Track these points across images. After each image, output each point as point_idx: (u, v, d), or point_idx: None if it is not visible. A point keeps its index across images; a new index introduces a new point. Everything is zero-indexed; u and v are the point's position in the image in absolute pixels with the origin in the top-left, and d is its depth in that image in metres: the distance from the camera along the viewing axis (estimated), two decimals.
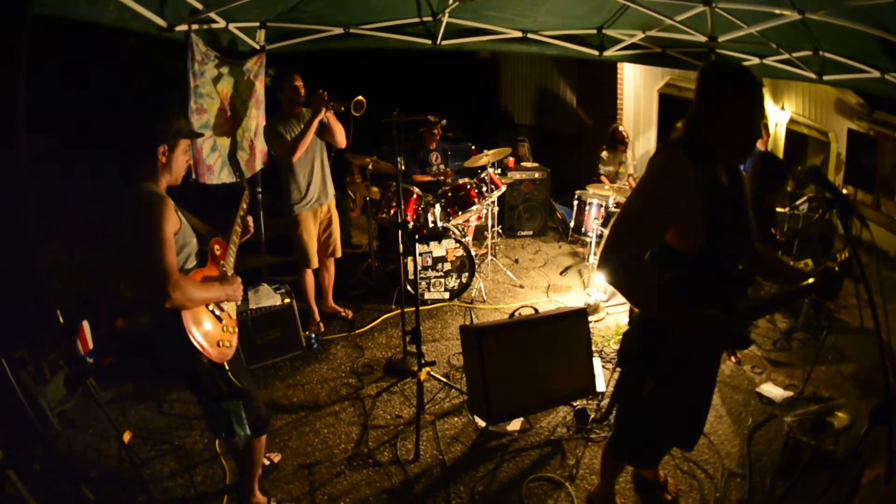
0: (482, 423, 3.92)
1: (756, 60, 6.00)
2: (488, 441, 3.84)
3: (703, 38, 5.22)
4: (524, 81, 12.82)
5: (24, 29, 2.24)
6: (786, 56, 5.56)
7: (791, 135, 9.47)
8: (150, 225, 2.45)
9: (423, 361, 3.99)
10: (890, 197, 7.98)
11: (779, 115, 9.24)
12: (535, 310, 4.44)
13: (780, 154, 9.30)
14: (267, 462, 3.54)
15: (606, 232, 2.29)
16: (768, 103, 9.34)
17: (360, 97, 4.70)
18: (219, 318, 2.72)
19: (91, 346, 3.60)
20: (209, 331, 2.63)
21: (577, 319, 4.04)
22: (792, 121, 9.27)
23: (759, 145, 6.49)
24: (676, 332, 2.27)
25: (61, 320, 2.38)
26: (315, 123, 4.62)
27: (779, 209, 6.13)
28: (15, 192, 2.38)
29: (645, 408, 2.63)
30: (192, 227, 2.78)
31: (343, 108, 4.73)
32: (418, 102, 10.72)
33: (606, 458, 3.09)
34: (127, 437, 3.33)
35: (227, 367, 2.71)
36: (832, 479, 2.68)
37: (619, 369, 2.76)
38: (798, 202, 6.61)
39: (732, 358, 4.88)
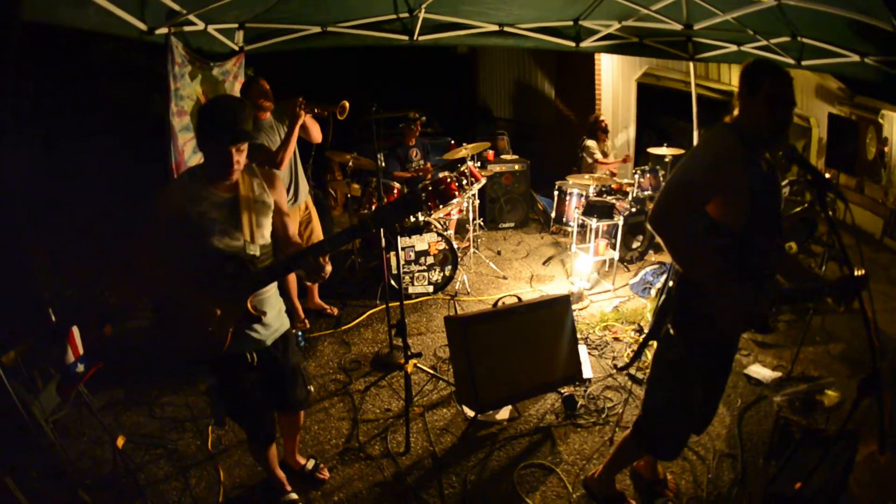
0: (471, 414, 3.97)
1: (734, 48, 6.09)
2: (478, 430, 3.90)
3: (678, 27, 5.30)
4: (502, 76, 12.92)
5: (13, 35, 2.26)
6: (763, 43, 5.63)
7: None
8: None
9: (409, 354, 4.01)
10: (873, 180, 8.13)
11: None
12: (519, 298, 4.49)
13: None
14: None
15: (659, 193, 2.43)
16: None
17: (345, 102, 4.70)
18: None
19: (81, 351, 3.60)
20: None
21: (560, 306, 4.11)
22: None
23: None
24: (710, 296, 2.42)
25: (53, 318, 2.40)
26: (296, 131, 4.52)
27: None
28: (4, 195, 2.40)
29: (672, 369, 2.72)
30: (235, 228, 2.63)
31: (327, 114, 4.70)
32: (398, 98, 10.84)
33: (625, 446, 3.10)
34: (120, 441, 3.34)
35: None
36: (823, 455, 2.73)
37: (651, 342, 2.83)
38: (828, 197, 6.74)
39: None
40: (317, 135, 4.91)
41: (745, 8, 4.74)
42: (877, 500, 3.07)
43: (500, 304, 4.36)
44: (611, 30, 6.09)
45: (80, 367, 3.45)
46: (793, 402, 3.85)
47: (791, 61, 5.83)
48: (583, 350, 4.60)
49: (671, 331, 2.65)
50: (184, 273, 2.55)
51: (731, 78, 9.71)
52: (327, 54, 6.63)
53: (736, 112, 2.53)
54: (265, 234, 2.68)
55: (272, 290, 2.81)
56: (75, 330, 3.50)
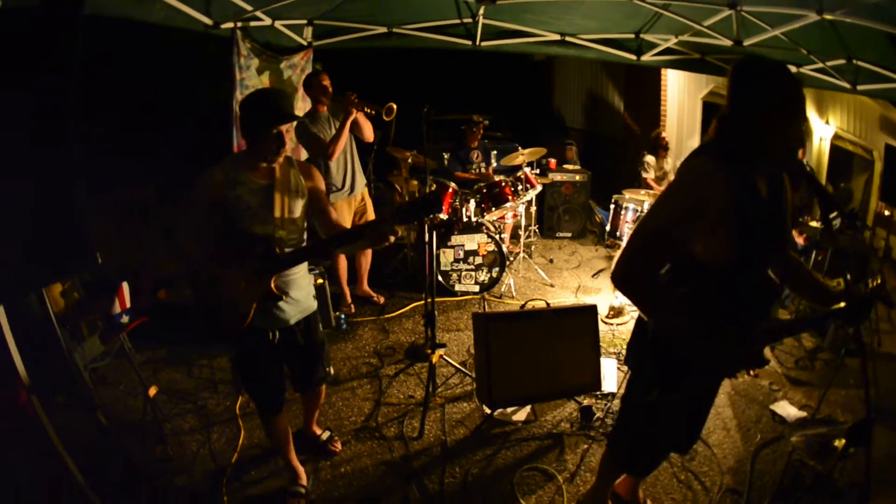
0: (489, 411, 4.09)
1: (793, 69, 5.94)
2: (492, 428, 4.01)
3: (728, 42, 5.24)
4: (576, 85, 12.91)
5: (77, 28, 2.52)
6: (820, 65, 5.53)
7: (835, 150, 9.28)
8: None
9: (434, 344, 4.20)
10: None
11: (823, 129, 8.99)
12: (548, 304, 4.59)
13: (824, 170, 9.11)
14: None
15: (624, 244, 2.24)
16: (812, 116, 9.17)
17: (392, 104, 4.91)
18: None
19: (128, 305, 3.95)
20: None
21: (585, 315, 4.16)
22: (836, 136, 9.06)
23: (799, 157, 6.47)
24: (686, 343, 2.21)
25: (100, 260, 2.65)
26: (348, 125, 4.76)
27: (811, 223, 6.06)
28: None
29: (649, 414, 2.61)
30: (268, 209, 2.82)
31: (374, 112, 4.91)
32: (470, 101, 11.00)
33: (605, 462, 3.10)
34: (153, 391, 3.65)
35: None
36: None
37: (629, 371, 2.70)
38: (831, 216, 6.53)
39: (751, 371, 4.83)
40: (368, 133, 5.12)
41: (792, 23, 4.62)
42: None
43: (528, 306, 4.46)
44: (669, 44, 6.09)
45: (125, 319, 3.78)
46: (810, 444, 3.76)
47: (846, 85, 5.71)
48: (611, 363, 4.61)
49: (643, 378, 2.56)
50: (217, 250, 2.77)
51: None
52: (402, 53, 6.88)
53: (724, 115, 2.19)
54: (297, 220, 2.87)
55: (300, 271, 3.00)
56: (125, 285, 3.84)
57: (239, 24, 4.65)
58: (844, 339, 5.26)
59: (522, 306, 4.59)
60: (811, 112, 9.18)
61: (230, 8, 4.51)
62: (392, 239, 2.67)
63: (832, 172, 9.31)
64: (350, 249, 2.83)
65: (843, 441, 2.37)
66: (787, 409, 4.35)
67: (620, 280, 2.14)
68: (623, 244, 2.24)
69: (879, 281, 2.26)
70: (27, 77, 2.46)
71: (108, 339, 3.92)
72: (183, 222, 2.79)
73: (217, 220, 2.74)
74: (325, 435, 3.71)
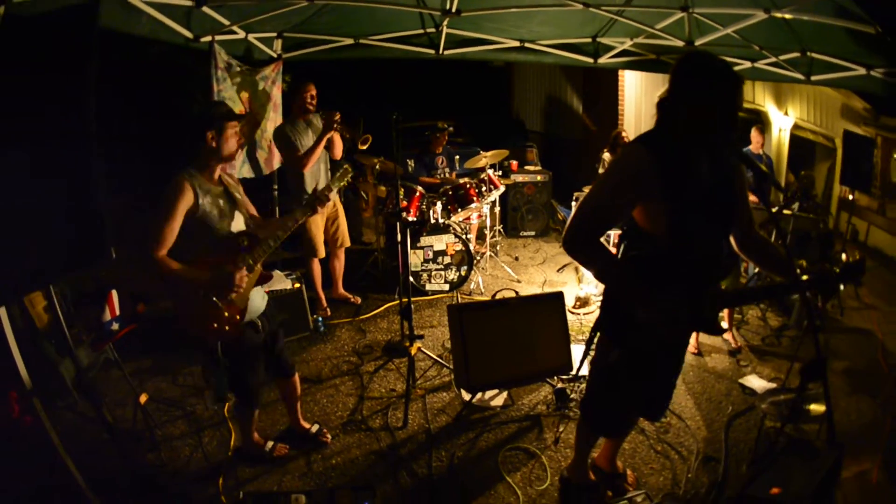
0: (468, 398, 4.30)
1: (748, 64, 6.27)
2: (472, 414, 4.22)
3: (681, 43, 5.47)
4: (535, 89, 13.23)
5: (93, 39, 2.68)
6: (773, 59, 5.79)
7: (796, 140, 9.58)
8: (162, 200, 2.84)
9: (412, 336, 4.41)
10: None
11: (783, 120, 9.38)
12: (516, 293, 4.84)
13: (784, 159, 9.43)
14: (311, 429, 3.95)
15: (570, 217, 2.47)
16: (771, 108, 9.53)
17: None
18: (215, 304, 2.97)
19: (118, 312, 4.06)
20: (197, 312, 2.97)
21: (553, 302, 4.45)
22: (796, 126, 9.40)
23: (755, 148, 6.74)
24: (636, 307, 2.46)
25: (114, 255, 2.76)
26: (324, 140, 5.05)
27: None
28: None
29: (610, 374, 2.83)
30: (234, 214, 3.09)
31: (349, 136, 5.20)
32: (433, 108, 11.22)
33: (579, 428, 3.28)
34: (143, 398, 3.75)
35: (217, 345, 3.09)
36: (803, 465, 2.63)
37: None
38: (787, 201, 6.85)
39: (692, 348, 5.12)
40: (338, 151, 5.43)
41: (742, 21, 4.86)
42: None
43: (498, 297, 4.69)
44: (625, 46, 6.31)
45: (115, 326, 3.91)
46: (779, 409, 3.87)
47: (800, 76, 5.98)
48: (579, 349, 4.87)
49: (605, 338, 2.82)
50: (202, 254, 2.98)
51: (755, 96, 9.79)
52: (365, 63, 7.05)
53: (664, 101, 2.43)
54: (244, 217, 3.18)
55: None
56: (114, 293, 3.96)
57: (217, 38, 4.80)
58: (810, 317, 5.59)
59: (493, 296, 4.83)
60: (770, 104, 9.55)
61: (208, 22, 4.65)
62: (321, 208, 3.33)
63: (794, 161, 9.69)
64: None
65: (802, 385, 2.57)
66: (756, 382, 4.62)
67: (569, 246, 2.42)
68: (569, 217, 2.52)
69: (854, 259, 2.48)
70: (49, 77, 2.61)
71: (99, 347, 4.04)
72: (167, 233, 2.85)
73: (196, 228, 2.94)
74: (315, 428, 3.89)
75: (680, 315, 2.39)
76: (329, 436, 3.90)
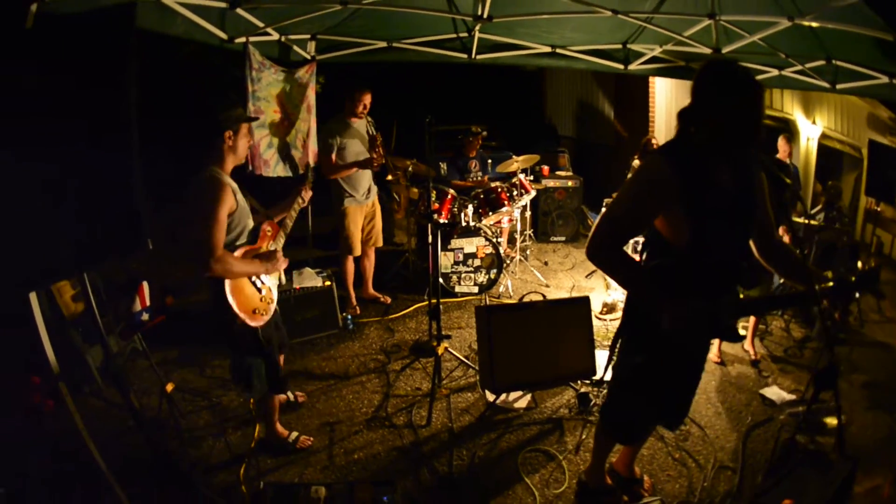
0: (491, 398, 4.33)
1: (775, 72, 6.19)
2: (495, 415, 4.25)
3: (708, 50, 5.45)
4: (567, 95, 13.20)
5: (131, 40, 2.79)
6: (799, 67, 5.71)
7: (823, 150, 9.37)
8: (207, 205, 2.90)
9: (439, 336, 4.48)
10: None
11: (811, 129, 9.19)
12: (544, 297, 4.84)
13: (812, 169, 9.24)
14: (291, 398, 4.11)
15: (593, 226, 2.51)
16: (799, 116, 9.37)
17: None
18: (258, 290, 3.25)
19: (148, 303, 4.18)
20: (247, 299, 3.15)
21: (579, 307, 4.47)
22: (824, 135, 9.21)
23: (782, 157, 6.64)
24: (658, 314, 2.41)
25: (150, 246, 2.88)
26: (356, 167, 5.35)
27: (795, 219, 6.28)
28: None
29: (631, 380, 2.86)
30: (251, 208, 3.27)
31: (380, 165, 5.45)
32: (466, 112, 11.26)
33: (597, 433, 3.33)
34: (169, 387, 3.81)
35: (259, 331, 3.23)
36: (817, 477, 2.67)
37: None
38: (814, 211, 6.75)
39: (715, 357, 5.10)
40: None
41: (768, 29, 4.81)
42: None
43: (525, 300, 4.72)
44: (654, 53, 6.29)
45: (145, 316, 4.02)
46: (797, 421, 3.92)
47: (826, 85, 5.89)
48: (604, 354, 4.86)
49: (627, 345, 2.84)
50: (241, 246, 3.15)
51: (784, 104, 9.61)
52: (399, 66, 7.11)
53: (686, 111, 2.42)
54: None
55: None
56: (145, 284, 4.07)
57: (251, 39, 4.90)
58: (834, 329, 5.51)
59: (520, 299, 4.84)
60: (798, 113, 9.38)
61: (242, 24, 4.76)
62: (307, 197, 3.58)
63: (822, 171, 9.48)
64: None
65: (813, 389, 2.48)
66: (776, 394, 4.57)
67: (592, 255, 2.47)
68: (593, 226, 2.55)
69: (869, 266, 2.52)
70: (88, 67, 2.72)
71: (128, 336, 4.15)
72: (221, 231, 2.96)
73: (233, 223, 3.09)
74: (293, 436, 3.86)
75: (700, 323, 2.40)
76: (310, 441, 3.89)
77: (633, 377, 2.85)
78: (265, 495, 3.18)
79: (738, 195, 2.43)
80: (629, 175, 7.93)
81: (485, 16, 4.96)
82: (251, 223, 3.23)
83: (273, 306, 3.39)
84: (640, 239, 4.48)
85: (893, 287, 7.29)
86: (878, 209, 7.71)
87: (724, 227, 2.43)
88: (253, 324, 3.18)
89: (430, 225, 4.65)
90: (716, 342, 5.18)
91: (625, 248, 2.53)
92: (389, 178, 5.52)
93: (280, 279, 5.13)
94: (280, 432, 3.80)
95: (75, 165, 2.69)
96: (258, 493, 3.25)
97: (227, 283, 3.04)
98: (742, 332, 5.20)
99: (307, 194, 3.63)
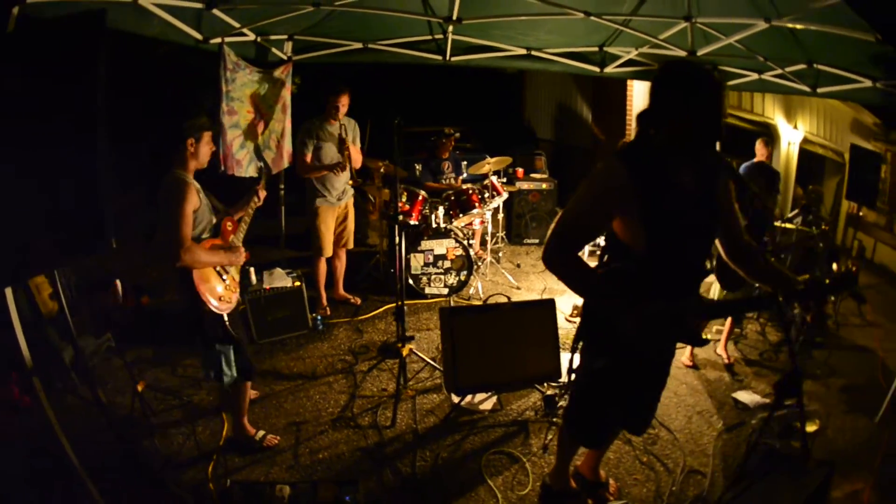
0: (457, 400, 4.38)
1: (755, 76, 6.23)
2: (460, 416, 4.30)
3: (683, 53, 5.46)
4: (546, 98, 13.24)
5: (101, 42, 2.83)
6: (779, 71, 5.72)
7: (805, 154, 9.46)
8: (175, 203, 3.17)
9: (404, 337, 4.53)
10: None
11: (792, 134, 9.28)
12: (508, 299, 4.90)
13: (793, 173, 9.34)
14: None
15: (549, 229, 2.47)
16: (780, 121, 9.46)
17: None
18: (223, 279, 3.47)
19: (121, 301, 4.21)
20: (213, 287, 3.38)
21: (544, 309, 4.51)
22: (806, 140, 9.30)
23: (761, 160, 6.60)
24: (617, 318, 2.40)
25: (114, 245, 2.94)
26: (325, 170, 5.42)
27: (776, 223, 6.30)
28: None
29: (593, 384, 2.85)
30: (213, 206, 3.49)
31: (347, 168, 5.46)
32: (445, 113, 11.31)
33: (560, 436, 3.34)
34: (141, 386, 3.91)
35: (225, 318, 3.45)
36: (790, 482, 2.65)
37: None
38: (791, 215, 6.81)
39: (687, 360, 5.15)
40: (357, 163, 5.68)
41: (745, 31, 4.83)
42: None
43: (490, 302, 4.76)
44: (631, 56, 6.32)
45: (117, 315, 4.06)
46: (770, 426, 3.82)
47: (806, 89, 5.89)
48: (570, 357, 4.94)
49: (587, 348, 2.81)
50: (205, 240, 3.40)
51: (765, 109, 9.72)
52: (378, 67, 7.13)
53: (645, 112, 2.40)
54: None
55: None
56: (118, 282, 4.10)
57: (227, 40, 4.92)
58: (810, 333, 5.56)
59: (485, 301, 4.90)
60: (779, 117, 9.47)
61: (219, 24, 4.76)
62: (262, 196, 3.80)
63: (804, 176, 9.59)
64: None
65: (775, 395, 2.44)
66: (749, 397, 4.60)
67: (547, 260, 2.41)
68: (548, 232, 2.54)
69: (845, 270, 2.46)
70: (61, 69, 2.76)
71: (101, 334, 4.18)
72: (188, 226, 3.24)
73: (197, 219, 3.34)
74: (260, 434, 3.93)
75: (660, 327, 2.39)
76: (276, 440, 3.96)
77: (594, 381, 2.84)
78: (232, 493, 3.27)
79: (700, 198, 2.40)
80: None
81: (454, 17, 5.01)
82: (213, 219, 3.46)
83: (236, 297, 3.60)
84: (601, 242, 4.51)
85: (875, 291, 7.45)
86: (860, 214, 7.80)
87: (684, 232, 2.40)
88: (219, 310, 3.40)
89: (395, 226, 4.70)
90: (687, 347, 5.24)
91: (581, 253, 2.50)
92: (350, 183, 5.52)
93: (251, 279, 5.18)
94: (248, 429, 3.87)
95: (42, 165, 2.73)
96: (225, 490, 3.33)
97: (195, 273, 3.29)
98: (716, 335, 5.26)
99: (262, 194, 3.83)
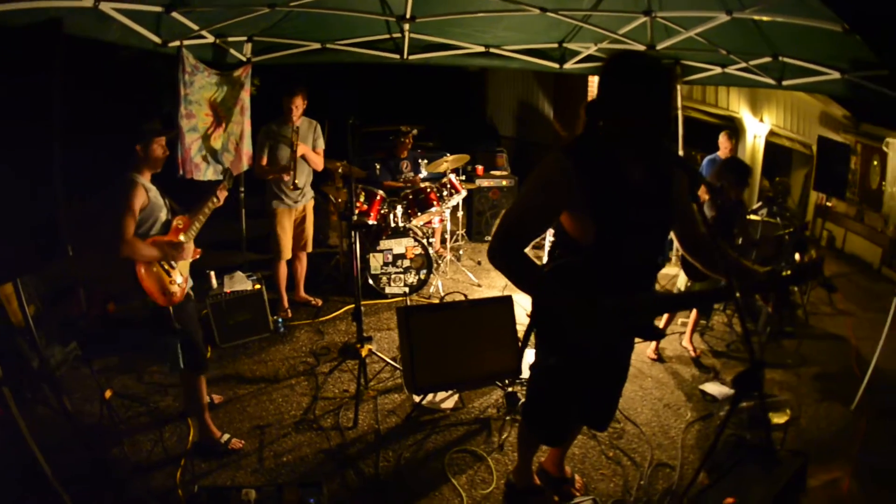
0: (418, 399, 4.42)
1: (718, 70, 6.30)
2: (422, 415, 4.36)
3: (642, 47, 5.52)
4: (508, 95, 13.33)
5: (59, 45, 2.83)
6: (743, 64, 5.80)
7: (773, 147, 9.63)
8: (119, 198, 3.38)
9: (362, 338, 4.53)
10: (874, 209, 8.18)
11: (758, 127, 9.43)
12: (465, 296, 4.93)
13: (759, 166, 9.44)
14: (208, 399, 4.16)
15: (494, 226, 2.42)
16: (746, 114, 9.55)
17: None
18: (167, 273, 3.60)
19: (84, 309, 4.20)
20: (155, 280, 3.54)
21: (502, 306, 4.54)
22: (772, 133, 9.45)
23: (723, 153, 6.69)
24: (564, 315, 2.37)
25: (70, 252, 2.97)
26: (275, 174, 5.46)
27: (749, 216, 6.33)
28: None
29: (547, 381, 2.84)
30: (168, 206, 3.67)
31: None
32: (408, 112, 11.31)
33: (520, 433, 3.34)
34: (108, 394, 3.92)
35: (170, 311, 3.59)
36: (762, 474, 2.55)
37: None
38: (755, 207, 6.89)
39: (652, 354, 5.24)
40: (318, 166, 5.81)
41: (706, 24, 4.88)
42: None
43: (447, 300, 4.78)
44: (590, 51, 6.37)
45: (82, 323, 4.05)
46: (740, 417, 3.87)
47: (771, 82, 5.96)
48: (532, 352, 4.99)
49: (538, 345, 2.81)
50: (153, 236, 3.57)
51: (730, 102, 9.83)
52: (341, 67, 7.12)
53: (590, 105, 2.32)
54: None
55: None
56: (81, 291, 4.09)
57: (185, 43, 4.90)
58: (780, 323, 5.66)
59: (441, 299, 4.93)
60: (745, 110, 9.58)
61: (178, 27, 4.74)
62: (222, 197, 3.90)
63: (772, 168, 9.72)
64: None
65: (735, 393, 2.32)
66: (717, 389, 4.63)
67: (492, 258, 2.36)
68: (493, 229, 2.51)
69: (808, 259, 2.48)
70: (15, 82, 2.76)
71: (67, 343, 4.16)
72: (132, 221, 3.41)
73: (145, 216, 3.51)
74: (225, 437, 3.97)
75: (611, 323, 2.35)
76: (241, 444, 3.99)
77: (548, 379, 2.83)
78: (200, 498, 3.27)
79: (651, 191, 2.36)
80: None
81: (407, 16, 5.04)
82: (163, 217, 3.62)
83: (185, 292, 3.75)
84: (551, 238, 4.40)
85: (846, 280, 7.63)
86: (829, 204, 7.90)
87: (635, 225, 2.35)
88: (163, 303, 3.56)
89: (350, 226, 4.71)
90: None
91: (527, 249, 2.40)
92: (290, 187, 5.50)
93: (212, 283, 5.18)
94: (213, 432, 3.91)
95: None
96: (193, 496, 3.33)
97: (138, 266, 3.47)
98: (682, 328, 5.27)
99: (222, 195, 3.94)
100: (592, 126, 2.33)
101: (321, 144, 5.75)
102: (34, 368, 4.11)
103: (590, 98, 9.33)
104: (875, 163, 8.17)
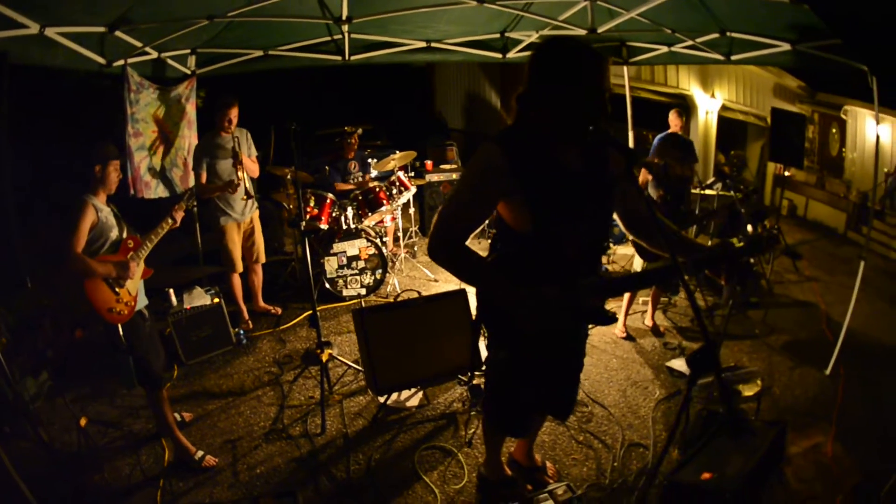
0: (382, 400, 4.49)
1: (665, 49, 6.35)
2: (388, 415, 4.43)
3: (583, 32, 5.56)
4: (455, 88, 13.41)
5: (3, 78, 2.85)
6: (690, 42, 5.84)
7: (726, 121, 9.81)
8: (70, 217, 3.50)
9: (321, 343, 4.59)
10: (835, 175, 8.45)
11: (709, 103, 9.60)
12: (419, 293, 4.99)
13: (712, 141, 9.59)
14: (178, 418, 4.27)
15: (432, 222, 2.39)
16: (696, 91, 9.65)
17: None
18: (115, 291, 3.69)
19: (51, 338, 4.20)
20: (102, 298, 3.64)
21: (457, 300, 4.56)
22: (725, 108, 9.64)
23: (675, 131, 6.65)
24: (510, 306, 2.32)
25: (29, 285, 3.00)
26: (218, 191, 5.40)
27: (693, 190, 6.43)
28: None
29: (501, 372, 2.86)
30: (120, 226, 3.78)
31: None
32: (356, 112, 11.31)
33: (484, 426, 3.38)
34: (83, 421, 3.95)
35: (119, 330, 3.69)
36: (738, 447, 2.61)
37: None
38: (710, 181, 7.06)
39: (620, 332, 5.31)
40: (254, 174, 5.73)
41: (648, 3, 4.90)
42: (822, 495, 3.17)
43: (401, 297, 4.84)
44: (532, 39, 6.41)
45: (50, 353, 4.06)
46: (709, 392, 3.91)
47: (720, 57, 6.02)
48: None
49: (489, 338, 2.82)
50: (102, 255, 3.66)
51: (679, 80, 9.91)
52: (285, 73, 7.14)
53: (520, 94, 2.32)
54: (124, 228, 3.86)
55: None
56: (47, 319, 4.09)
57: (129, 61, 4.88)
58: (745, 294, 5.74)
59: (395, 298, 4.99)
60: (695, 87, 9.71)
61: (122, 46, 4.74)
62: (178, 217, 3.99)
63: (726, 142, 9.90)
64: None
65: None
66: (684, 365, 4.64)
67: (433, 254, 2.33)
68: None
69: (761, 230, 2.45)
70: None
71: (38, 373, 4.17)
72: (80, 239, 3.52)
73: (95, 236, 3.61)
74: (199, 454, 4.01)
75: (557, 310, 2.31)
76: (214, 460, 4.01)
77: (502, 371, 2.85)
78: None
79: (588, 176, 2.35)
80: None
81: (344, 17, 5.04)
82: (114, 237, 3.71)
83: (134, 311, 3.82)
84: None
85: (811, 247, 7.82)
86: (788, 174, 8.04)
87: (572, 211, 2.33)
88: (110, 321, 3.67)
89: (300, 232, 4.76)
90: (620, 317, 5.37)
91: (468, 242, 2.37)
92: (244, 198, 5.49)
93: (171, 301, 5.18)
94: (188, 448, 3.96)
95: None
96: None
97: (86, 283, 3.58)
98: (643, 307, 5.31)
99: (178, 214, 4.02)
100: (525, 115, 2.33)
101: (254, 151, 5.74)
102: (10, 402, 4.10)
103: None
104: (834, 130, 8.39)
